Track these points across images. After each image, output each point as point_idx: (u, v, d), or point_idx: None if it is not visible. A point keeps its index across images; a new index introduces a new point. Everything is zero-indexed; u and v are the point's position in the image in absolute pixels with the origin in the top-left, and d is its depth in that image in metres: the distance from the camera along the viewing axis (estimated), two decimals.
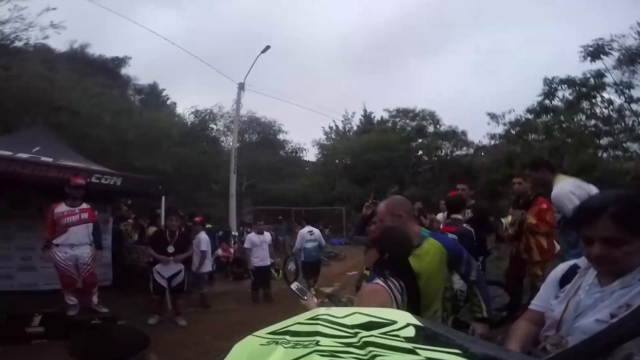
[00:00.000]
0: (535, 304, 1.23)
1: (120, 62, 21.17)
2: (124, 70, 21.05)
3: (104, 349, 1.21)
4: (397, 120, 20.07)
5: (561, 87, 10.46)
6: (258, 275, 6.07)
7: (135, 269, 6.12)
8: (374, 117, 22.71)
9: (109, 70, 19.46)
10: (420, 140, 18.76)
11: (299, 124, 42.17)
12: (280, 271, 7.03)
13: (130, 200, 7.11)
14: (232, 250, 8.98)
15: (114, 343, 1.23)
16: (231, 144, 14.82)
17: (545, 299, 1.20)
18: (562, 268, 1.21)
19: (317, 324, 0.46)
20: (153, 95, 21.89)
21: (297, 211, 13.65)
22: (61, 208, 4.05)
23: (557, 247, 3.65)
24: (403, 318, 0.47)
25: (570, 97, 10.44)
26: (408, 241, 1.66)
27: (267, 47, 12.40)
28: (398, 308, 1.43)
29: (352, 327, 0.45)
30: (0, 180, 4.28)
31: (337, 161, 20.20)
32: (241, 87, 12.93)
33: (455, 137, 18.10)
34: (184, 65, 41.87)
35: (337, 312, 0.49)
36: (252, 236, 6.25)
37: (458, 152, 18.41)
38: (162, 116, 16.19)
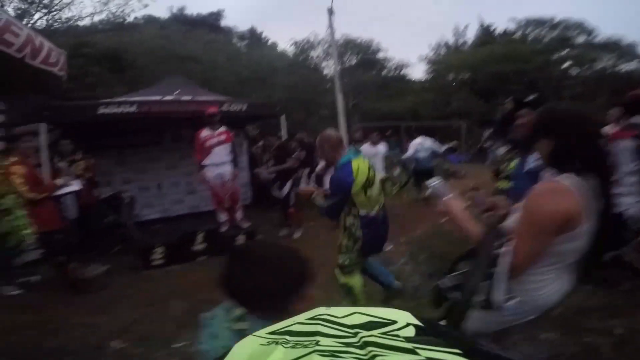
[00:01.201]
0: None
1: (217, 15, 22.72)
2: (223, 22, 22.56)
3: (260, 281, 0.87)
4: (527, 31, 18.36)
5: None
6: None
7: (269, 186, 6.86)
8: (494, 29, 20.28)
9: (210, 25, 21.00)
10: (565, 52, 16.62)
11: (401, 43, 37.52)
12: (397, 184, 6.70)
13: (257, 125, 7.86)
14: None
15: (273, 274, 0.89)
16: (332, 67, 14.80)
17: None
18: None
19: (317, 323, 0.47)
20: (254, 39, 22.94)
21: (407, 127, 12.91)
22: (204, 133, 4.69)
23: None
24: (403, 318, 0.47)
25: None
26: (589, 118, 1.18)
27: None
28: (585, 218, 1.09)
29: (352, 327, 0.45)
30: (158, 119, 5.20)
31: (451, 76, 18.47)
32: (330, 11, 12.42)
33: (620, 48, 15.84)
34: (274, 4, 41.39)
35: (337, 311, 0.49)
36: (365, 147, 6.03)
37: (625, 66, 15.87)
38: (267, 53, 17.06)
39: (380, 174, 5.77)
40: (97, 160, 5.03)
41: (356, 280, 2.68)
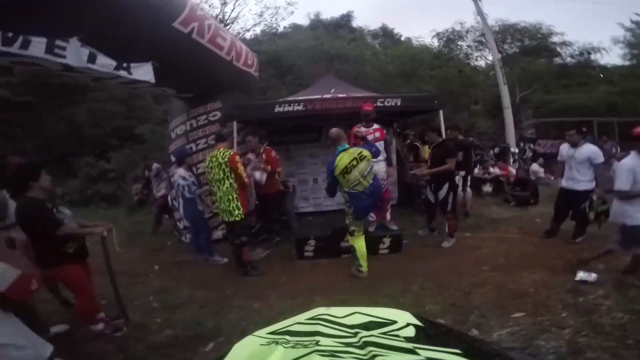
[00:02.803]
0: None
1: (348, 17, 23.54)
2: (354, 23, 23.25)
3: None
4: None
5: None
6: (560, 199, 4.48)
7: (415, 187, 6.24)
8: None
9: (343, 26, 21.88)
10: None
11: (578, 24, 29.26)
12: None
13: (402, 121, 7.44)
14: (511, 170, 7.68)
15: None
16: (490, 57, 12.97)
17: None
18: None
19: (317, 324, 0.50)
20: (387, 37, 22.47)
21: (603, 123, 9.80)
22: (359, 129, 4.60)
23: None
24: (403, 318, 0.49)
25: None
26: None
27: None
28: None
29: (352, 327, 0.48)
30: (319, 117, 5.44)
31: None
32: None
33: None
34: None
35: (338, 312, 0.53)
36: (563, 148, 4.47)
37: None
38: (409, 47, 16.35)
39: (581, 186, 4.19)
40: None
41: (359, 242, 3.71)
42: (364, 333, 0.46)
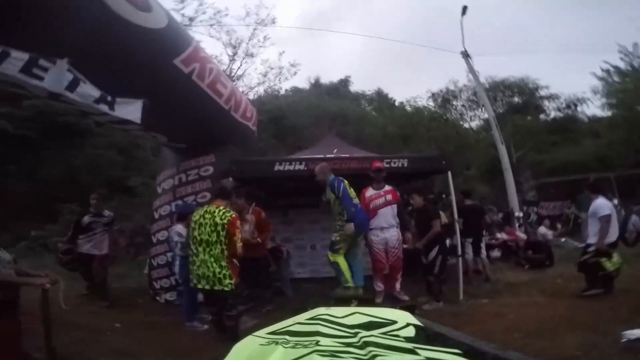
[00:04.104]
0: None
1: (345, 82, 24.88)
2: (352, 88, 24.58)
3: None
4: None
5: None
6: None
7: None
8: None
9: (341, 90, 23.36)
10: None
11: (557, 75, 31.14)
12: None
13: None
14: (520, 235, 7.49)
15: None
16: (482, 117, 13.45)
17: None
18: None
19: (317, 324, 0.49)
20: (381, 101, 23.74)
21: (600, 179, 9.70)
22: (369, 192, 4.33)
23: None
24: (403, 318, 0.49)
25: None
26: None
27: (465, 8, 10.87)
28: None
29: (352, 327, 0.48)
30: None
31: None
32: (465, 54, 11.46)
33: None
34: (395, 61, 42.71)
35: (338, 312, 0.52)
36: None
37: None
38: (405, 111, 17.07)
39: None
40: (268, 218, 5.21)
41: (341, 258, 4.00)
42: (364, 333, 0.46)
